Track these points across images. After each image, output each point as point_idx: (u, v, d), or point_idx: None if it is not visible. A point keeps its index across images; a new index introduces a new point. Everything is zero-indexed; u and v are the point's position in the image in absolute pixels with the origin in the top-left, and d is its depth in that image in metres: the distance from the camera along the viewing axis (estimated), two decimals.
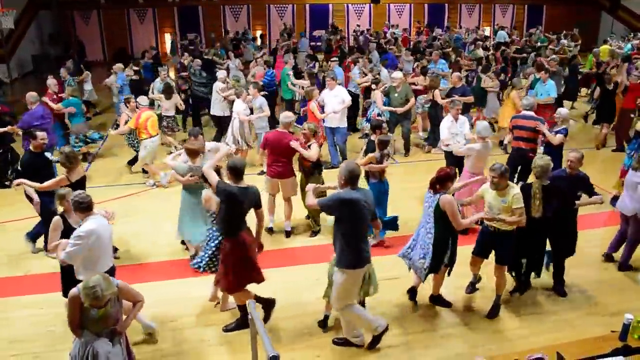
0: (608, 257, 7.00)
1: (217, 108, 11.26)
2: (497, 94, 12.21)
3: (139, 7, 23.84)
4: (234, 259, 5.19)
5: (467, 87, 11.27)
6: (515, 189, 5.50)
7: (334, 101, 10.04)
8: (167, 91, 10.85)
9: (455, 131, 8.36)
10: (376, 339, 5.30)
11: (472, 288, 6.33)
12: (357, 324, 5.28)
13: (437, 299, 6.07)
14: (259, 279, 5.38)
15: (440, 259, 5.61)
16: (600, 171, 9.59)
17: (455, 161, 7.96)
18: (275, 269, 6.03)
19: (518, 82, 11.76)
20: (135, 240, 7.54)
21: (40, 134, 6.84)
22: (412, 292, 6.08)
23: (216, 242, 5.58)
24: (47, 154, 6.99)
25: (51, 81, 11.18)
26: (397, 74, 10.95)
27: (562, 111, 8.28)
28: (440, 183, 5.53)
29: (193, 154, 6.50)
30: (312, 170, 7.41)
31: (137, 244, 7.45)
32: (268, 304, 5.58)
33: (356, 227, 4.91)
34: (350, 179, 4.87)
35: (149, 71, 14.09)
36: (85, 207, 4.73)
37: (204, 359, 5.25)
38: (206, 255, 5.66)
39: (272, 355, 3.20)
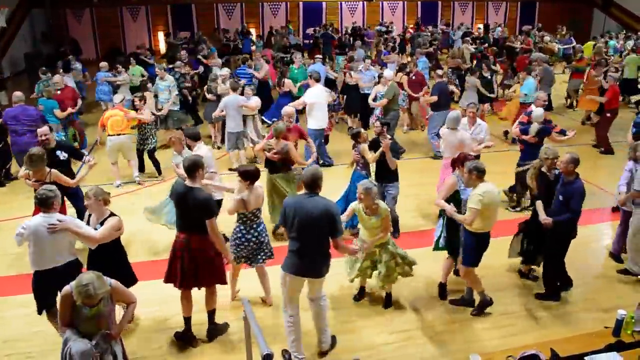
0: (616, 258, 6.96)
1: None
2: (476, 89, 12.13)
3: (132, 5, 23.73)
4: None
5: (443, 84, 11.02)
6: (479, 188, 5.37)
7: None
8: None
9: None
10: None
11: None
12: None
13: (441, 288, 6.20)
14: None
15: (452, 237, 5.86)
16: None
17: None
18: (268, 267, 6.00)
19: (520, 76, 11.85)
20: (128, 239, 7.51)
21: (41, 131, 6.85)
22: (441, 289, 6.19)
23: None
24: (58, 152, 6.92)
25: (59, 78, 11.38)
26: (388, 72, 11.06)
27: (536, 112, 7.99)
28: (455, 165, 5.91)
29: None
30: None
31: (130, 242, 7.42)
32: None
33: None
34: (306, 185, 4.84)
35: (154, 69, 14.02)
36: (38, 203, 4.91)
37: (199, 358, 5.25)
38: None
39: (266, 353, 3.21)
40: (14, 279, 6.61)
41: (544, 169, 6.10)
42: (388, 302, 6.02)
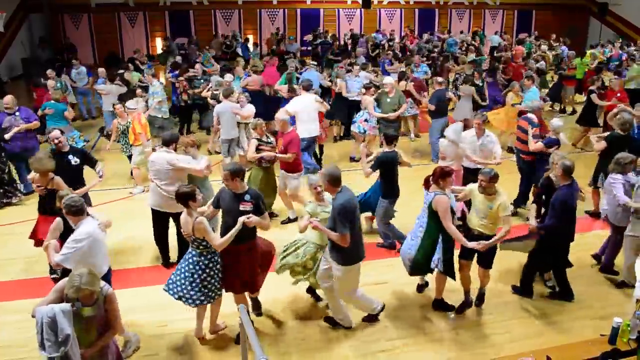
0: (606, 269, 6.90)
1: None
2: (470, 98, 12.08)
3: (129, 11, 23.72)
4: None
5: (443, 91, 11.04)
6: (502, 195, 5.51)
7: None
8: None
9: (475, 147, 7.80)
10: (373, 317, 5.81)
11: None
12: (360, 307, 5.74)
13: (439, 304, 6.09)
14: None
15: (427, 258, 5.67)
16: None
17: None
18: None
19: (515, 85, 11.82)
20: (126, 244, 7.51)
21: (53, 135, 6.83)
22: (441, 304, 6.13)
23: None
24: (70, 156, 6.83)
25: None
26: (389, 79, 10.95)
27: (555, 122, 7.96)
28: (435, 181, 5.59)
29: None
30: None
31: (128, 248, 7.42)
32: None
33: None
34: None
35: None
36: (76, 211, 4.69)
37: None
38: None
39: (261, 359, 3.19)
40: (7, 284, 6.57)
41: (552, 175, 6.12)
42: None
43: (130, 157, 9.59)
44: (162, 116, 11.69)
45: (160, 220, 6.77)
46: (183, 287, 5.17)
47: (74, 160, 6.86)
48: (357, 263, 5.32)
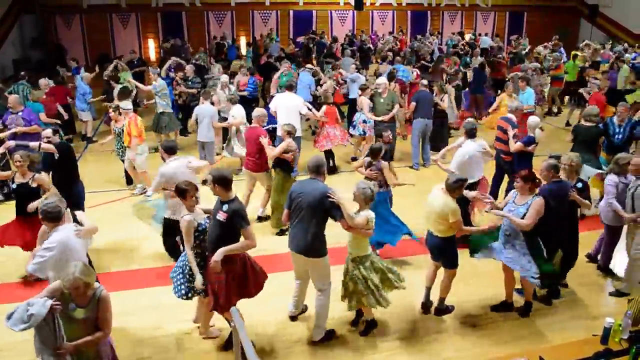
0: (605, 269, 6.96)
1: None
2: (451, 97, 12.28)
3: (122, 12, 23.66)
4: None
5: (424, 92, 11.00)
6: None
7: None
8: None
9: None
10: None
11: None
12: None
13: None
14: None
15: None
16: None
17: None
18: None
19: (509, 86, 11.88)
20: (119, 247, 7.49)
21: (45, 133, 7.11)
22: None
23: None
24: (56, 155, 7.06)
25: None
26: (381, 80, 10.97)
27: (531, 120, 8.09)
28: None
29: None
30: (275, 167, 7.88)
31: (121, 251, 7.39)
32: None
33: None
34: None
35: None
36: (52, 217, 4.53)
37: None
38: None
39: None
40: None
41: (562, 176, 6.13)
42: (366, 328, 5.71)
43: (124, 161, 9.48)
44: (167, 111, 11.65)
45: (174, 231, 6.49)
46: (174, 277, 5.29)
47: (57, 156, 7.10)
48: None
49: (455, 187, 5.42)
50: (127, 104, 9.61)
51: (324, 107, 10.18)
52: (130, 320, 5.74)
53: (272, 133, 9.80)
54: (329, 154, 10.35)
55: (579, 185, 6.16)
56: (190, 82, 12.58)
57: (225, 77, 11.78)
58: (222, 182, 4.93)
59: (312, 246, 5.24)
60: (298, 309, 5.93)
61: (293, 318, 5.92)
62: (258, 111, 8.24)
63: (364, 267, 5.26)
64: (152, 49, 23.49)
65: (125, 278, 6.72)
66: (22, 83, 11.95)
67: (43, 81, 11.83)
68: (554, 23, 26.91)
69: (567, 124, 13.76)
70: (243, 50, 22.41)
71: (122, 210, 8.58)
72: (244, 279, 5.08)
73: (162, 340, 5.53)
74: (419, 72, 14.40)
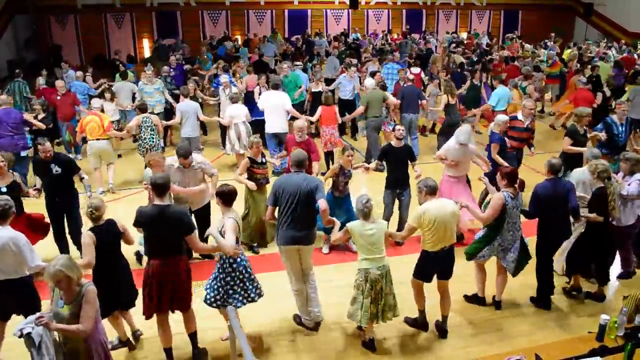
0: None
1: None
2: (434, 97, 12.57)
3: (116, 12, 23.57)
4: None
5: (407, 88, 11.14)
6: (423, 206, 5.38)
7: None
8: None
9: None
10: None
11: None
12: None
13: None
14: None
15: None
16: None
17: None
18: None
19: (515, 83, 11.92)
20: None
21: (44, 147, 6.71)
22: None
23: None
24: (52, 165, 6.76)
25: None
26: (369, 82, 11.19)
27: (498, 117, 8.09)
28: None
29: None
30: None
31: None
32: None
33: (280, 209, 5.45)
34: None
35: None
36: None
37: None
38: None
39: None
40: None
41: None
42: (372, 345, 5.45)
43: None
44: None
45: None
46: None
47: (55, 169, 6.77)
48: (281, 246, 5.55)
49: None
50: (96, 102, 10.04)
51: (320, 109, 10.28)
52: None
53: (258, 126, 10.41)
54: (330, 154, 10.45)
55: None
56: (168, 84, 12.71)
57: (225, 77, 11.75)
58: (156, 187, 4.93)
59: (310, 235, 5.49)
60: (312, 316, 5.78)
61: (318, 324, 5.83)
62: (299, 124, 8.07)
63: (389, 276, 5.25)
64: (146, 49, 23.40)
65: None
66: (17, 80, 12.22)
67: (40, 80, 12.10)
68: (549, 21, 26.97)
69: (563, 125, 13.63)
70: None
71: (113, 211, 8.59)
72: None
73: (156, 342, 5.45)
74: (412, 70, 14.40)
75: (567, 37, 24.33)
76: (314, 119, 10.39)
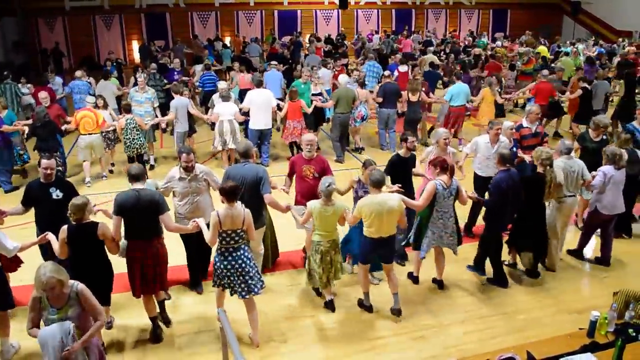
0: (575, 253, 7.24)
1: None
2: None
3: (105, 14, 23.46)
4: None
5: (388, 85, 11.53)
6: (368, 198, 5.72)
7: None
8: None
9: (489, 154, 7.40)
10: None
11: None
12: None
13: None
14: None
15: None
16: None
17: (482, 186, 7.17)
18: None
19: (491, 81, 11.94)
20: None
21: (47, 163, 5.87)
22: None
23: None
24: (52, 189, 6.02)
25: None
26: (342, 78, 11.67)
27: (505, 124, 7.92)
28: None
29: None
30: None
31: None
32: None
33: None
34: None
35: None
36: None
37: None
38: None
39: None
40: None
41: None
42: (331, 305, 6.03)
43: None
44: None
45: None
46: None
47: (56, 194, 5.87)
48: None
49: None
50: (90, 99, 10.32)
51: (287, 104, 10.88)
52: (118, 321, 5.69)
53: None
54: (295, 145, 11.17)
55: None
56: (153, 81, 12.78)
57: (223, 84, 11.91)
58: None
59: (258, 221, 5.81)
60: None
61: None
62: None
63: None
64: (136, 51, 23.31)
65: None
66: (7, 82, 12.11)
67: (24, 89, 12.19)
68: (537, 20, 27.15)
69: (556, 133, 13.29)
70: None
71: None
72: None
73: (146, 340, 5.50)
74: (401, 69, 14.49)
75: (553, 36, 24.47)
76: (282, 113, 10.95)
